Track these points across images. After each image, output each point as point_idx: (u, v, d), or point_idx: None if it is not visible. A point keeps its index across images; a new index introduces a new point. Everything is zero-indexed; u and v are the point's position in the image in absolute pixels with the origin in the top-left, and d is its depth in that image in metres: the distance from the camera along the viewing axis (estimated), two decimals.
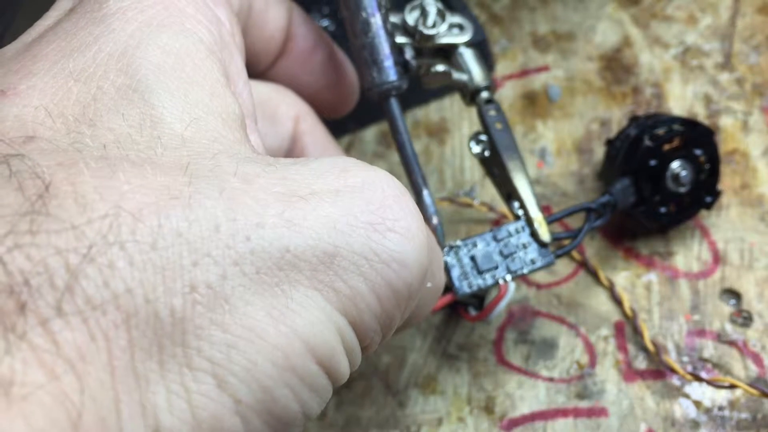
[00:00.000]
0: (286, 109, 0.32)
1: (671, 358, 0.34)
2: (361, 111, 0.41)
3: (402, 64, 0.31)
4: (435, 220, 0.30)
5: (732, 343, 0.34)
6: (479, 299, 0.32)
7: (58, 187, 0.18)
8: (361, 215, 0.21)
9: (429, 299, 0.27)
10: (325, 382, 0.21)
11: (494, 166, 0.33)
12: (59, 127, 0.20)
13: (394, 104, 0.31)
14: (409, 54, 0.32)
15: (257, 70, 0.32)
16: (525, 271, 0.31)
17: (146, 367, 0.18)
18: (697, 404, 0.33)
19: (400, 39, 0.33)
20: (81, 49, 0.22)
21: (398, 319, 0.23)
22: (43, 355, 0.17)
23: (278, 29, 0.31)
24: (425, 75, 0.34)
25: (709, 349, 0.34)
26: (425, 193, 0.31)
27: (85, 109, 0.21)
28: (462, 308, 0.33)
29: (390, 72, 0.31)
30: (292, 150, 0.32)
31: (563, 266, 0.37)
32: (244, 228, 0.20)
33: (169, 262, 0.19)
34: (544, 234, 0.31)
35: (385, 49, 0.30)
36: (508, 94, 0.42)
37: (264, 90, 0.31)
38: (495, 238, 0.31)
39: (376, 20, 0.30)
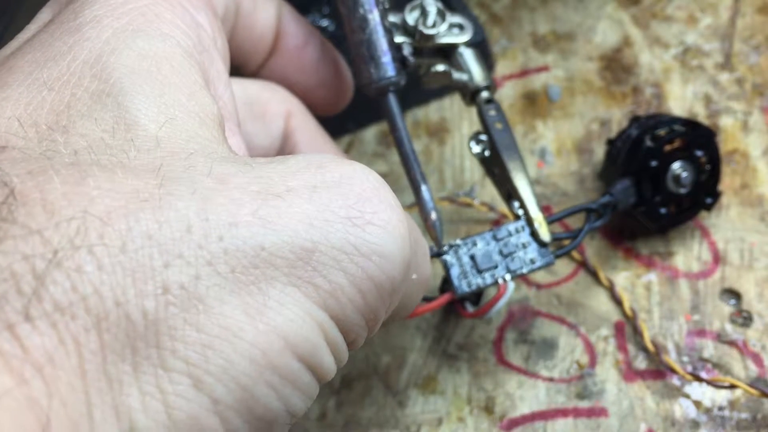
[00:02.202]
0: (276, 106, 0.32)
1: (671, 358, 0.34)
2: (360, 111, 0.41)
3: (400, 60, 0.31)
4: (434, 216, 0.30)
5: (732, 343, 0.34)
6: (476, 295, 0.32)
7: (26, 195, 0.18)
8: (339, 210, 0.21)
9: (415, 291, 0.27)
10: (309, 379, 0.21)
11: (494, 166, 0.33)
12: (32, 136, 0.20)
13: (393, 100, 0.31)
14: (407, 50, 0.32)
15: (249, 69, 0.32)
16: (525, 270, 0.31)
17: (119, 369, 0.18)
18: (697, 404, 0.33)
19: (400, 39, 0.33)
20: (55, 59, 0.22)
21: (383, 313, 0.23)
22: (11, 360, 0.16)
23: (267, 28, 0.31)
24: (425, 75, 0.34)
25: (709, 349, 0.34)
26: (424, 188, 0.31)
27: (59, 116, 0.21)
28: (459, 304, 0.33)
29: (388, 68, 0.31)
30: (283, 147, 0.32)
31: (563, 266, 0.37)
32: (217, 227, 0.20)
33: (140, 264, 0.18)
34: (544, 234, 0.31)
35: (382, 45, 0.30)
36: (508, 94, 0.42)
37: (254, 88, 0.31)
38: (495, 238, 0.31)
39: (374, 16, 0.30)
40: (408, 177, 0.31)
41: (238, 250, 0.20)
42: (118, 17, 0.23)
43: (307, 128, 0.32)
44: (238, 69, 0.32)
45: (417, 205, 0.31)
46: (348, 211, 0.21)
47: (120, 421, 0.18)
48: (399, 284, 0.23)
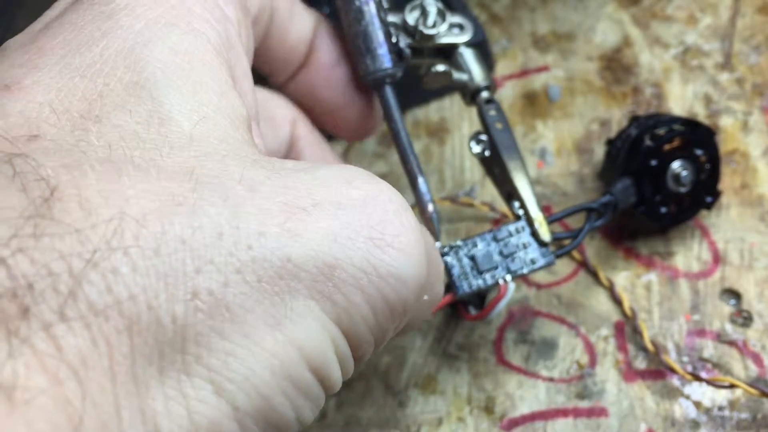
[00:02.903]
0: (282, 112, 0.32)
1: (671, 358, 0.34)
2: None
3: (396, 53, 0.31)
4: (430, 208, 0.30)
5: (732, 343, 0.34)
6: (480, 298, 0.32)
7: (62, 191, 0.18)
8: (362, 229, 0.22)
9: (424, 311, 0.27)
10: (318, 390, 0.22)
11: (494, 166, 0.33)
12: (64, 124, 0.20)
13: (389, 92, 0.31)
14: (403, 42, 0.32)
15: (278, 79, 0.32)
16: (525, 271, 0.31)
17: (147, 373, 0.18)
18: (697, 404, 0.33)
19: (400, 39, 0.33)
20: (88, 44, 0.22)
21: (392, 331, 0.24)
22: (46, 359, 0.17)
23: (301, 40, 0.30)
24: (425, 75, 0.34)
25: (709, 349, 0.34)
26: (420, 180, 0.31)
27: (91, 105, 0.21)
28: (462, 307, 0.33)
29: (384, 59, 0.31)
30: (289, 153, 0.32)
31: (563, 266, 0.37)
32: (247, 236, 0.20)
33: (172, 268, 0.19)
34: (545, 234, 0.31)
35: (378, 36, 0.30)
36: (508, 94, 0.42)
37: (261, 93, 0.31)
38: (495, 238, 0.31)
39: (370, 8, 0.30)
40: (405, 169, 0.31)
41: (265, 260, 0.20)
42: (151, 7, 0.23)
43: (311, 137, 0.32)
44: (267, 78, 0.32)
45: (415, 199, 0.31)
46: (370, 232, 0.22)
47: (146, 424, 0.18)
48: (411, 306, 0.23)
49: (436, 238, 0.31)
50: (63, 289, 0.17)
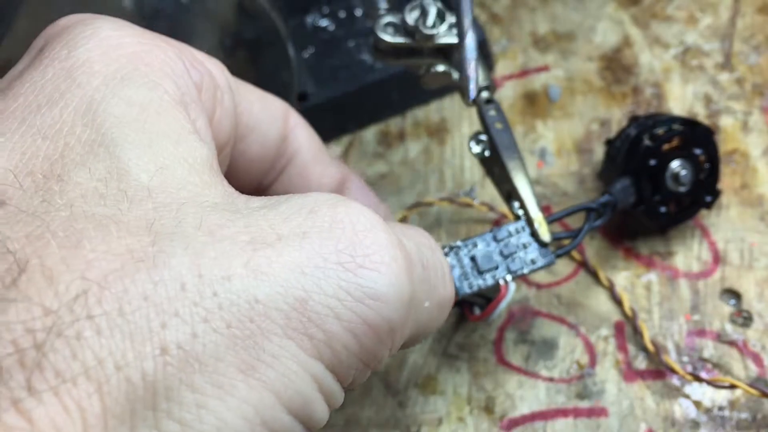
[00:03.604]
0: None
1: (671, 358, 0.34)
2: (361, 111, 0.41)
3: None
4: (472, 67, 0.30)
5: (732, 343, 0.34)
6: (485, 299, 0.32)
7: (26, 261, 0.18)
8: (330, 256, 0.21)
9: (434, 317, 0.27)
10: (299, 430, 0.21)
11: (494, 166, 0.33)
12: (28, 186, 0.20)
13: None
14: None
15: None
16: (525, 271, 0.31)
17: None
18: (697, 404, 0.33)
19: (400, 39, 0.33)
20: (49, 105, 0.22)
21: (385, 352, 0.23)
22: None
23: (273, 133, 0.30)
24: (425, 75, 0.34)
25: (709, 349, 0.34)
26: (469, 36, 0.31)
27: (53, 165, 0.21)
28: (467, 307, 0.33)
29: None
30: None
31: (563, 266, 0.37)
32: (211, 283, 0.19)
33: (137, 326, 0.18)
34: (544, 234, 0.31)
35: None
36: (508, 94, 0.42)
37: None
38: (495, 239, 0.31)
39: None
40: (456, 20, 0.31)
41: (232, 305, 0.19)
42: (108, 63, 0.23)
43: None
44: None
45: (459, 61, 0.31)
46: (339, 257, 0.21)
47: None
48: (400, 323, 0.22)
49: (468, 100, 0.31)
50: (29, 362, 0.17)
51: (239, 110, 0.28)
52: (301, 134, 0.31)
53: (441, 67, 0.33)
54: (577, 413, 0.33)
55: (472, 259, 0.31)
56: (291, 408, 0.20)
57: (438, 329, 0.35)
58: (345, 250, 0.21)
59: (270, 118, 0.30)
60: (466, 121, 0.41)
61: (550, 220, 0.32)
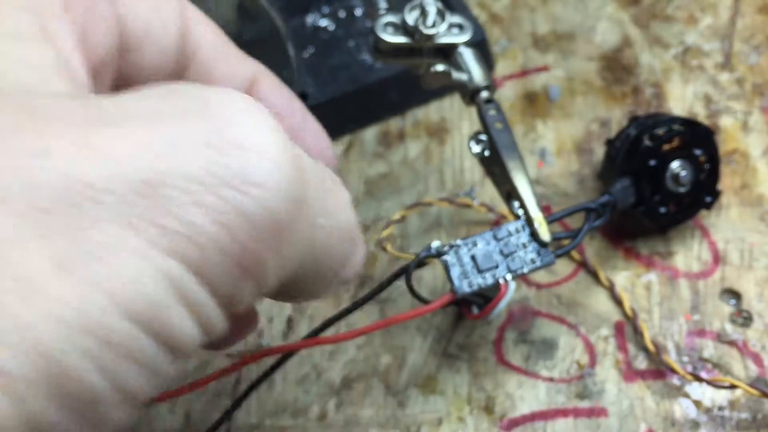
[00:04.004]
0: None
1: (671, 358, 0.34)
2: (361, 111, 0.41)
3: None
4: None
5: (732, 343, 0.34)
6: (485, 298, 0.32)
7: None
8: (195, 136, 0.17)
9: (332, 243, 0.22)
10: (153, 349, 0.17)
11: (494, 166, 0.33)
12: None
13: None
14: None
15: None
16: (525, 270, 0.31)
17: None
18: (697, 404, 0.33)
19: (400, 39, 0.33)
20: None
21: (270, 257, 0.18)
22: None
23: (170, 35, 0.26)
24: (425, 75, 0.34)
25: (709, 349, 0.34)
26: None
27: None
28: (465, 306, 0.33)
29: None
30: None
31: (563, 266, 0.37)
32: (16, 156, 0.16)
33: None
34: (544, 234, 0.31)
35: None
36: (508, 94, 0.42)
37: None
38: (495, 238, 0.31)
39: None
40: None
41: (47, 185, 0.16)
42: None
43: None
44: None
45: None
46: (208, 136, 0.17)
47: None
48: (286, 220, 0.18)
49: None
50: None
51: (121, 15, 0.24)
52: (201, 30, 0.27)
53: (441, 67, 0.33)
54: (577, 413, 0.33)
55: (472, 257, 0.31)
56: (132, 313, 0.16)
57: (436, 328, 0.35)
58: (216, 132, 0.18)
59: (162, 20, 0.25)
60: (466, 121, 0.41)
61: (550, 220, 0.32)
